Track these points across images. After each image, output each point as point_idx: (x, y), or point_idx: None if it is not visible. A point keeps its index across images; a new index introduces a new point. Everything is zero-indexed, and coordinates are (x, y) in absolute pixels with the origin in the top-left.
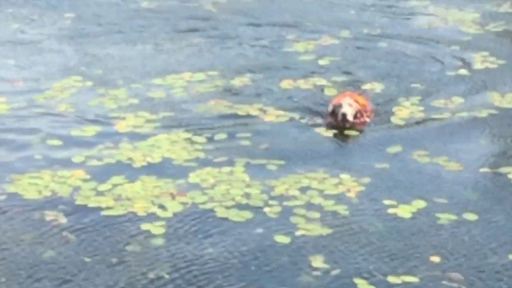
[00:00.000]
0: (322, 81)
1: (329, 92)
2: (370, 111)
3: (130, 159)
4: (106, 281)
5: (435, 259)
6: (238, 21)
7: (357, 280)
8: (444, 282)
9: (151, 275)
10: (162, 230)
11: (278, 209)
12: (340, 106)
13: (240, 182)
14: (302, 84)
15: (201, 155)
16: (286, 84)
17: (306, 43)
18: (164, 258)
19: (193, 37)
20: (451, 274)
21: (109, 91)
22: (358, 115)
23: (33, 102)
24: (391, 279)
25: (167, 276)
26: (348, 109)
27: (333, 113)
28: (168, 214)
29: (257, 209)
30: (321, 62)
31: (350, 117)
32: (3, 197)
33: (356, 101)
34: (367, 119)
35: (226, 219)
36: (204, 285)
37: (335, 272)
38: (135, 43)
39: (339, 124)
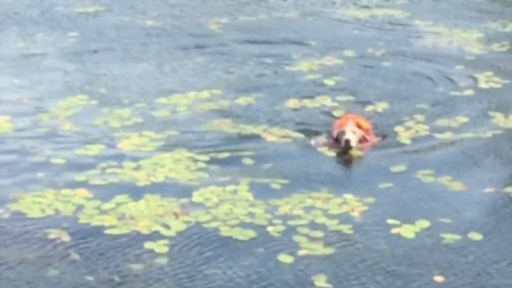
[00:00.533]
0: (327, 101)
1: (335, 113)
2: (373, 135)
3: (133, 178)
4: None
5: (439, 278)
6: (242, 40)
7: None
8: None
9: None
10: (165, 249)
11: (282, 228)
12: (343, 132)
13: (244, 201)
14: (308, 103)
15: (205, 174)
16: (292, 103)
17: (310, 62)
18: (167, 277)
19: (198, 56)
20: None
21: (113, 110)
22: (362, 140)
23: (37, 121)
24: None
25: None
26: (352, 136)
27: (337, 139)
28: (172, 233)
29: (260, 229)
30: (326, 81)
31: (353, 144)
32: (6, 216)
33: (359, 125)
34: (370, 143)
35: (229, 238)
36: None
37: None
38: (139, 61)
39: (343, 150)
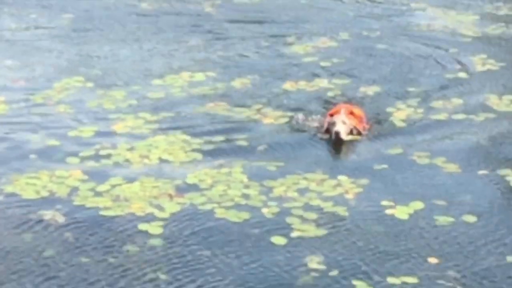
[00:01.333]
0: (323, 83)
1: (330, 93)
2: (366, 122)
3: (127, 160)
4: (103, 281)
5: (433, 260)
6: (237, 22)
7: (356, 282)
8: (441, 282)
9: (149, 276)
10: (159, 231)
11: (276, 210)
12: (333, 124)
13: (238, 183)
14: (304, 86)
15: (199, 156)
16: (288, 86)
17: (305, 45)
18: (161, 259)
19: (193, 37)
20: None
21: (107, 91)
22: (354, 131)
23: (32, 102)
24: (390, 280)
25: (164, 277)
26: (342, 127)
27: (327, 130)
28: (166, 214)
29: (255, 210)
30: (322, 63)
31: (343, 136)
32: (1, 197)
33: (352, 114)
34: (363, 132)
35: (223, 219)
36: (200, 286)
37: (333, 273)
38: (134, 44)
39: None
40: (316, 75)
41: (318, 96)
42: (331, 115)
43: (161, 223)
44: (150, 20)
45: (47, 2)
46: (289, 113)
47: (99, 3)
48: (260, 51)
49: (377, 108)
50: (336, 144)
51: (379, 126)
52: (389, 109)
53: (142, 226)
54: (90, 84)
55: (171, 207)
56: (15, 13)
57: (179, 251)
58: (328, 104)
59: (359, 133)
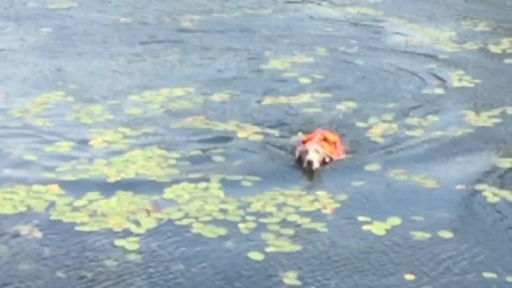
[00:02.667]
0: (302, 99)
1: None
2: (341, 148)
3: (104, 175)
4: None
5: (409, 276)
6: (215, 37)
7: None
8: None
9: None
10: (136, 246)
11: (253, 225)
12: (306, 152)
13: (216, 198)
14: (285, 101)
15: (176, 171)
16: (268, 101)
17: (282, 60)
18: (139, 274)
19: (171, 52)
20: None
21: (84, 106)
22: (326, 159)
23: (9, 116)
24: None
25: None
26: (314, 156)
27: (300, 159)
28: (143, 230)
29: (232, 226)
30: (300, 79)
31: (316, 165)
32: None
33: (325, 140)
34: (337, 158)
35: (200, 235)
36: None
37: None
38: (112, 58)
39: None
40: (295, 91)
41: (298, 112)
42: (304, 142)
43: (137, 238)
44: (128, 34)
45: (25, 15)
46: (267, 129)
47: (77, 17)
48: (238, 66)
49: (353, 124)
50: (308, 172)
51: (356, 142)
52: (366, 125)
53: (119, 242)
54: (68, 99)
55: (148, 223)
56: None
57: (155, 266)
58: (306, 121)
59: (331, 160)
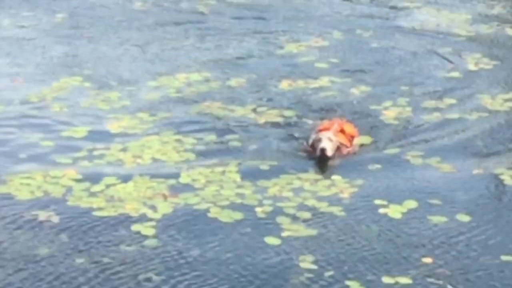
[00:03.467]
0: (318, 83)
1: (324, 94)
2: (357, 142)
3: (121, 160)
4: (96, 281)
5: (427, 259)
6: (231, 22)
7: (349, 282)
8: (435, 281)
9: (141, 276)
10: (153, 231)
11: (270, 209)
12: (319, 140)
13: (232, 182)
14: (302, 85)
15: (192, 156)
16: (285, 85)
17: (298, 44)
18: (155, 259)
19: (187, 38)
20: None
21: (101, 92)
22: (341, 148)
23: (26, 102)
24: (383, 279)
25: (156, 278)
26: (328, 144)
27: (313, 146)
28: (159, 215)
29: (249, 210)
30: (316, 63)
31: (329, 153)
32: None
33: (342, 131)
34: (351, 150)
35: (217, 220)
36: (192, 285)
37: (326, 273)
38: (128, 43)
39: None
40: (311, 75)
41: (315, 96)
42: (320, 131)
43: (154, 223)
44: (144, 20)
45: (42, 2)
46: (285, 113)
47: (92, 2)
48: (255, 51)
49: (369, 107)
50: (321, 161)
51: (372, 126)
52: (381, 109)
53: (135, 227)
54: (84, 84)
55: (164, 208)
56: (8, 11)
57: (172, 251)
58: (324, 106)
59: (345, 155)
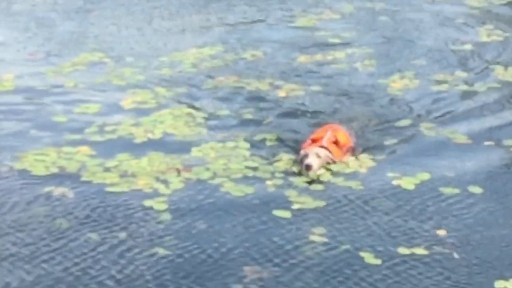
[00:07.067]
0: (330, 56)
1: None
2: (351, 147)
3: (134, 135)
4: (109, 255)
5: (440, 232)
6: None
7: (363, 253)
8: (448, 252)
9: (154, 250)
10: (165, 206)
11: (280, 182)
12: (306, 156)
13: (242, 157)
14: (316, 59)
15: (204, 130)
16: (303, 59)
17: (309, 18)
18: (169, 233)
19: (201, 12)
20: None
21: (116, 67)
22: (330, 162)
23: (41, 77)
24: (398, 250)
25: (169, 252)
26: (314, 161)
27: (301, 161)
28: (172, 189)
29: (260, 184)
30: (330, 37)
31: (315, 171)
32: (11, 173)
33: (335, 140)
34: (343, 160)
35: (228, 193)
36: (204, 260)
37: (339, 245)
38: (142, 19)
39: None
40: (324, 49)
41: (329, 70)
42: (313, 141)
43: (166, 198)
44: None
45: None
46: (304, 86)
47: None
48: (268, 25)
49: (383, 79)
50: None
51: (386, 98)
52: (393, 81)
53: (148, 202)
54: (98, 60)
55: (177, 182)
56: None
57: (184, 226)
58: (338, 82)
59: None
